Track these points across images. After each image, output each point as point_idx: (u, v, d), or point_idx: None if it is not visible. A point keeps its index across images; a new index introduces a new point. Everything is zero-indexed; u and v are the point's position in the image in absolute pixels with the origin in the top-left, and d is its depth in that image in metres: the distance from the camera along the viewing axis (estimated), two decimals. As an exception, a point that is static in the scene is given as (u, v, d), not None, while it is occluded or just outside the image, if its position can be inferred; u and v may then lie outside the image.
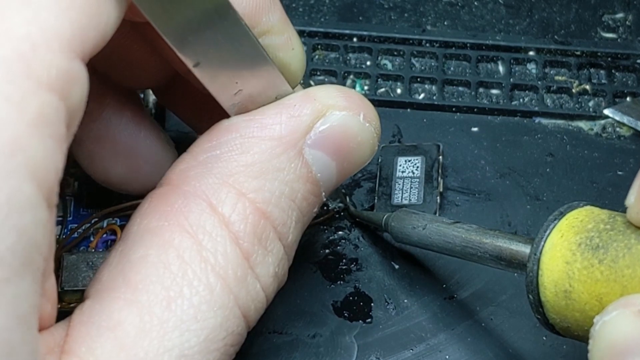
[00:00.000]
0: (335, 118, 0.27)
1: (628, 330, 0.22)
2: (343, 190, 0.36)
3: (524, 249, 0.27)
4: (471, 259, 0.30)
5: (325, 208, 0.36)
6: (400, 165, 0.36)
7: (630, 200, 0.24)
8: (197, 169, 0.26)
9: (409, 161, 0.36)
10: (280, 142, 0.26)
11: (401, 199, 0.35)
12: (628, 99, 0.40)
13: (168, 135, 0.34)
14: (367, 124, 0.28)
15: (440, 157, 0.36)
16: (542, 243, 0.26)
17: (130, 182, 0.32)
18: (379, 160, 0.37)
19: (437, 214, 0.35)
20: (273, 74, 0.27)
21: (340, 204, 0.36)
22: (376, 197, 0.36)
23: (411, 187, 0.35)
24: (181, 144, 0.30)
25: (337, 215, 0.36)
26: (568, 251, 0.26)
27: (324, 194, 0.28)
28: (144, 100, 0.37)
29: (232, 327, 0.25)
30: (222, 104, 0.27)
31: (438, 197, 0.35)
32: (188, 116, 0.34)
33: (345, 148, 0.27)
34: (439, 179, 0.36)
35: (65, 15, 0.21)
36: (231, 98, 0.26)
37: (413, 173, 0.36)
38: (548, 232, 0.27)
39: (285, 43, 0.28)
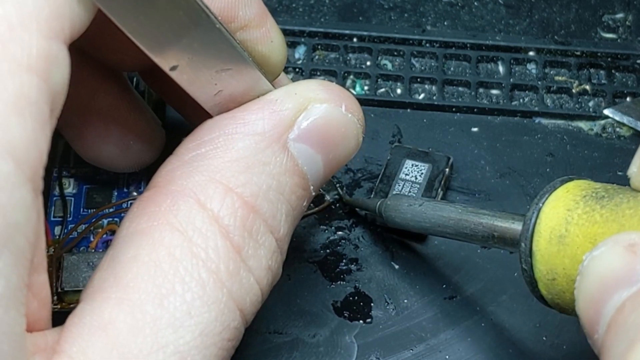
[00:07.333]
0: (317, 111, 0.27)
1: (617, 265, 0.21)
2: (338, 184, 0.36)
3: (519, 226, 0.27)
4: (465, 237, 0.29)
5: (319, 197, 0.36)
6: (406, 168, 0.36)
7: (633, 170, 0.24)
8: (183, 169, 0.26)
9: (416, 166, 0.36)
10: (264, 137, 0.26)
11: None
12: (628, 99, 0.40)
13: (155, 114, 0.34)
14: (350, 114, 0.28)
15: (447, 169, 0.36)
16: (547, 196, 0.26)
17: (121, 161, 0.33)
18: (388, 157, 0.37)
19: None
20: (253, 73, 0.27)
21: (336, 195, 0.36)
22: (373, 193, 0.36)
23: (410, 192, 0.35)
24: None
25: (332, 207, 0.36)
26: (571, 201, 0.25)
27: (312, 187, 0.28)
28: (144, 94, 0.37)
29: (228, 321, 0.24)
30: (203, 105, 0.27)
31: None
32: (175, 101, 0.34)
33: (329, 140, 0.27)
34: (439, 190, 0.35)
35: None
36: (211, 99, 0.26)
37: (416, 178, 0.36)
38: (553, 188, 0.26)
39: (263, 36, 0.28)
